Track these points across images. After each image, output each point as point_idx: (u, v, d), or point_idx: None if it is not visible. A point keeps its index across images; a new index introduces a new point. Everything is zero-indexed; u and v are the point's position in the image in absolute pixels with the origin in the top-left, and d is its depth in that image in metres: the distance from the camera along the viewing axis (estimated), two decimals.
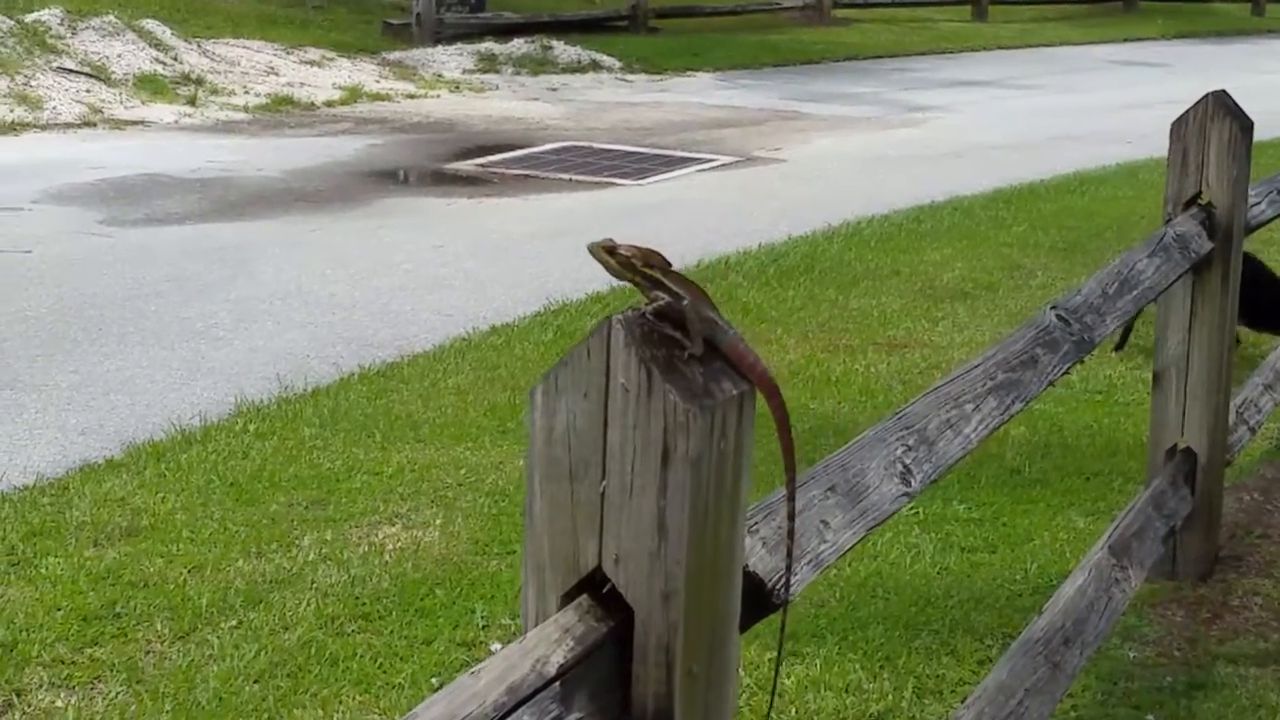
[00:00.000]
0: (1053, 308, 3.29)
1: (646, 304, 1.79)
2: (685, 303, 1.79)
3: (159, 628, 4.44)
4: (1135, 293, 3.74)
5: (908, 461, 2.46)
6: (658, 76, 19.97)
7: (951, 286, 8.83)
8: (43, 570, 4.79)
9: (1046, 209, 11.25)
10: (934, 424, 2.59)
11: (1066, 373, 3.16)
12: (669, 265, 1.83)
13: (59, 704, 4.02)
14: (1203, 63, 22.77)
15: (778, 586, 2.00)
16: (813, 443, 6.10)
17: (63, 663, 4.24)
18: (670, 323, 1.78)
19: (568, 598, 1.80)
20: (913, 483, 2.43)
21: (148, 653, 4.32)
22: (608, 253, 1.83)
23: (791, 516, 1.93)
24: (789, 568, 1.93)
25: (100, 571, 4.78)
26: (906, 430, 2.51)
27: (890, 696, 4.16)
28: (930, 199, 11.47)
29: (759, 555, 2.01)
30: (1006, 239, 10.15)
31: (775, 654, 4.04)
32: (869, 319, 8.07)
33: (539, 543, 1.81)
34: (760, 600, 2.00)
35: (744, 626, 1.94)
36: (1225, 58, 23.97)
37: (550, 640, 1.73)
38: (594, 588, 1.80)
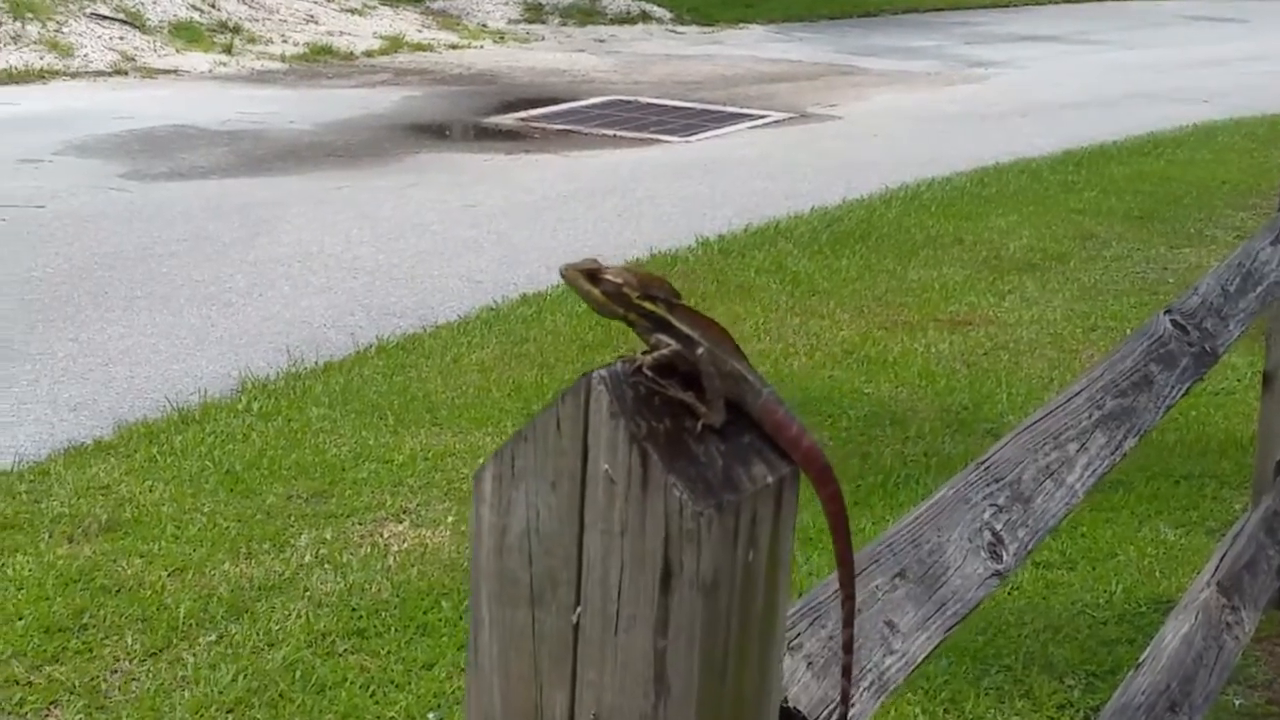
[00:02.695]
0: (1167, 312, 2.71)
1: (645, 353, 1.24)
2: (700, 351, 1.23)
3: (129, 642, 3.94)
4: (1260, 288, 3.15)
5: (997, 527, 1.90)
6: (709, 28, 19.34)
7: (1018, 257, 8.23)
8: (8, 572, 4.30)
9: (1119, 173, 10.60)
10: (1030, 473, 2.03)
11: (1186, 394, 2.59)
12: (677, 296, 1.26)
13: None
14: None
15: None
16: (866, 433, 5.57)
17: (16, 683, 3.75)
18: (678, 380, 1.22)
19: None
20: (1004, 556, 1.87)
21: (114, 672, 3.82)
22: (589, 278, 1.27)
23: (848, 647, 1.37)
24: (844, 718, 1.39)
25: (71, 574, 4.28)
26: (996, 484, 1.95)
27: None
28: (994, 160, 10.84)
29: (802, 682, 1.46)
30: (1077, 205, 9.53)
31: None
32: (930, 292, 7.48)
33: (486, 689, 1.27)
34: None
35: None
36: None
37: None
38: None
